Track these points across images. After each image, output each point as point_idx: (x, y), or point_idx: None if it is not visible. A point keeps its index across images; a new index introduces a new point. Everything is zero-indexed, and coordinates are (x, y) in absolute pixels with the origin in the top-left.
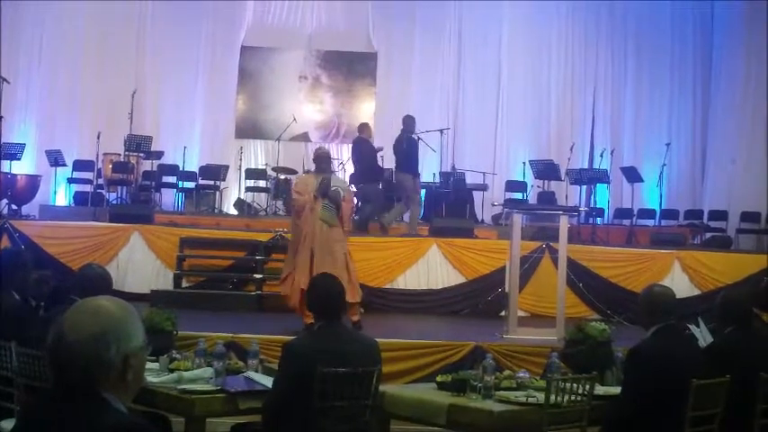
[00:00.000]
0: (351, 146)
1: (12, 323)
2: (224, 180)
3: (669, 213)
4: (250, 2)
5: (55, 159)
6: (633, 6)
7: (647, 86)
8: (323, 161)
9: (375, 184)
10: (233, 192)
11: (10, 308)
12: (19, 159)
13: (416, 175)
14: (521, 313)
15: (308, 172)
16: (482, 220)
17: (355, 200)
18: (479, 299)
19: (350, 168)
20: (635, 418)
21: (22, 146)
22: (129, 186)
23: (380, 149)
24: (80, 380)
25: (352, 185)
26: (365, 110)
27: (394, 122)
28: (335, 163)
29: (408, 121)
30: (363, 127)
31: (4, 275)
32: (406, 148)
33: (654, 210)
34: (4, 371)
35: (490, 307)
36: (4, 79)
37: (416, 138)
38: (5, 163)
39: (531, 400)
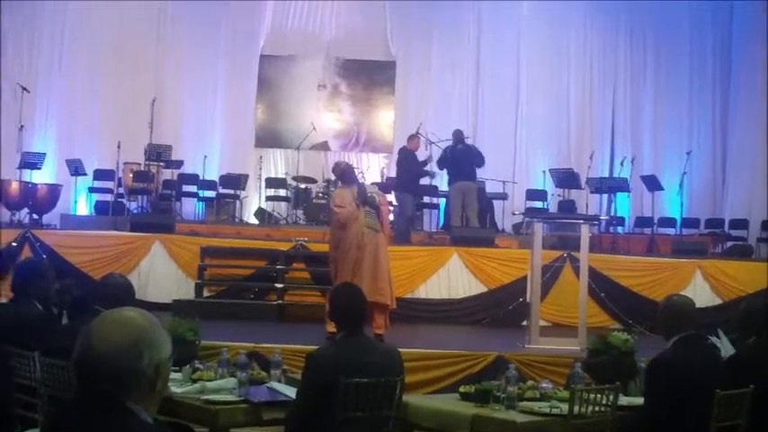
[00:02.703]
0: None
1: (34, 333)
2: (244, 189)
3: (690, 222)
4: (269, 11)
5: (75, 169)
6: (651, 14)
7: (666, 94)
8: (348, 173)
9: (410, 195)
10: (253, 201)
11: (33, 318)
12: (39, 169)
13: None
14: (542, 323)
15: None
16: (503, 229)
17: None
18: (500, 308)
19: (370, 177)
20: (656, 429)
21: (43, 155)
22: (150, 195)
23: (428, 161)
24: (108, 390)
25: (391, 192)
26: (384, 118)
27: (413, 130)
28: (356, 172)
29: (457, 134)
30: (410, 138)
31: (27, 285)
32: (451, 158)
33: (674, 218)
34: (28, 380)
35: (511, 316)
36: (24, 88)
37: (462, 147)
38: (26, 172)
39: (554, 410)
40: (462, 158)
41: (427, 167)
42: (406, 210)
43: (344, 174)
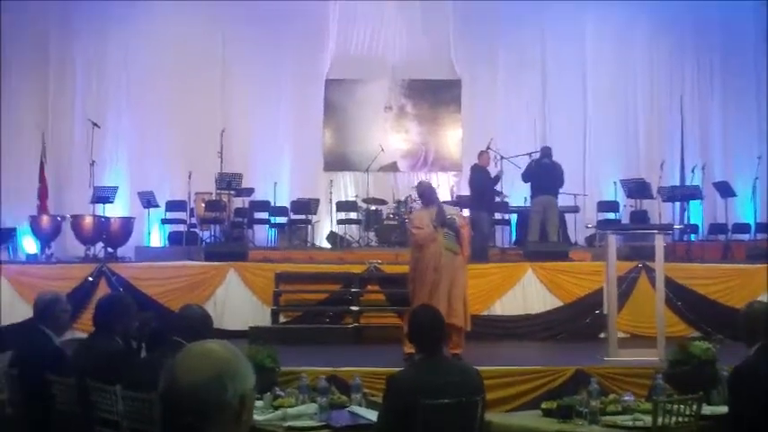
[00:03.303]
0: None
1: (115, 368)
2: (315, 213)
3: (764, 227)
4: (332, 35)
5: (147, 201)
6: (717, 21)
7: (734, 100)
8: (427, 194)
9: (483, 212)
10: (325, 225)
11: (113, 353)
12: (112, 202)
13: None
14: (620, 335)
15: (418, 209)
16: (576, 243)
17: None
18: (577, 322)
19: (439, 196)
20: None
21: (115, 189)
22: (222, 224)
23: (499, 176)
24: (194, 423)
25: (465, 210)
26: (451, 137)
27: (481, 148)
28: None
29: (545, 150)
30: (480, 155)
31: (109, 320)
32: (536, 172)
33: (748, 224)
34: (110, 414)
35: (588, 330)
36: (94, 124)
37: (548, 162)
38: (99, 206)
39: (637, 423)
40: (547, 173)
41: (497, 186)
42: (482, 227)
43: (424, 194)
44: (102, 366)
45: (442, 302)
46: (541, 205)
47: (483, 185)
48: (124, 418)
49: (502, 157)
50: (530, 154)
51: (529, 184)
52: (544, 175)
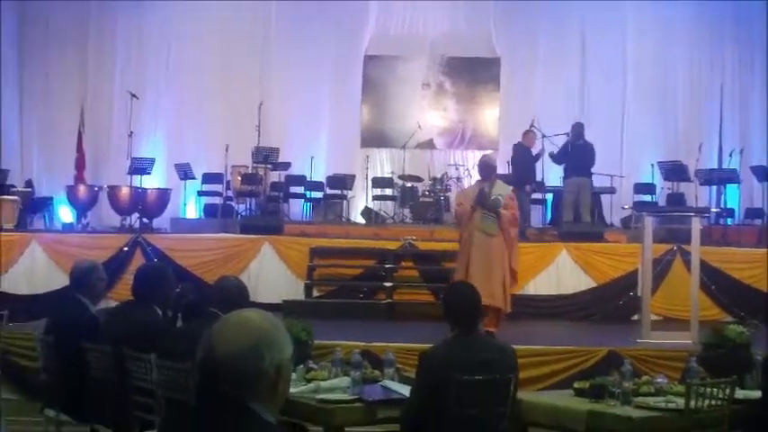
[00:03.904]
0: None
1: (152, 338)
2: (351, 189)
3: None
4: (372, 11)
5: (184, 173)
6: (758, 8)
7: None
8: (482, 169)
9: (522, 190)
10: (360, 200)
11: (152, 323)
12: (149, 174)
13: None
14: (653, 317)
15: (473, 184)
16: (611, 224)
17: (516, 206)
18: (610, 303)
19: (475, 175)
20: None
21: (152, 160)
22: (258, 198)
23: (540, 155)
24: (231, 392)
25: None
26: (489, 115)
27: (518, 128)
28: (461, 170)
29: (576, 128)
30: (525, 134)
31: (149, 290)
32: (571, 153)
33: None
34: (145, 383)
35: (621, 311)
36: (133, 95)
37: (582, 143)
38: (136, 178)
39: (670, 405)
40: (580, 154)
41: (538, 162)
42: (522, 206)
43: (479, 168)
44: (139, 336)
45: (478, 282)
46: (575, 186)
47: (525, 164)
48: (159, 386)
49: (543, 136)
50: (567, 134)
51: (563, 165)
52: (577, 156)
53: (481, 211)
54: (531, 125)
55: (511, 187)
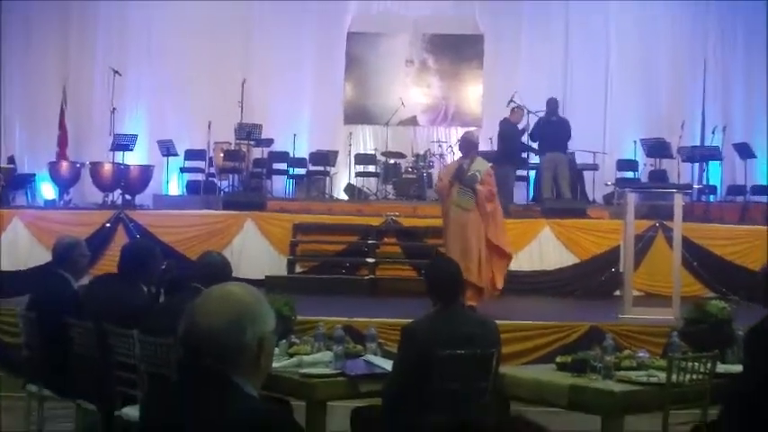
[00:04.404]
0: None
1: (138, 315)
2: (334, 166)
3: None
4: None
5: (167, 149)
6: None
7: (758, 60)
8: (462, 146)
9: (508, 167)
10: (343, 177)
11: (138, 300)
12: (131, 150)
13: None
14: (635, 293)
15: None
16: (593, 200)
17: (493, 182)
18: (593, 279)
19: (458, 152)
20: (755, 397)
21: (135, 137)
22: (241, 174)
23: (525, 130)
24: (213, 365)
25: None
26: (472, 92)
27: (501, 104)
28: (444, 146)
29: (551, 103)
30: (513, 111)
31: (135, 267)
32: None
33: (767, 186)
34: (127, 358)
35: (603, 287)
36: (116, 71)
37: (556, 119)
38: (118, 154)
39: (652, 379)
40: (555, 130)
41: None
42: (507, 183)
43: (460, 144)
44: (123, 313)
45: (455, 257)
46: (551, 162)
47: (511, 141)
48: (141, 361)
49: (528, 111)
50: (536, 113)
51: (537, 142)
52: (552, 132)
53: (458, 187)
54: (512, 99)
55: (490, 164)
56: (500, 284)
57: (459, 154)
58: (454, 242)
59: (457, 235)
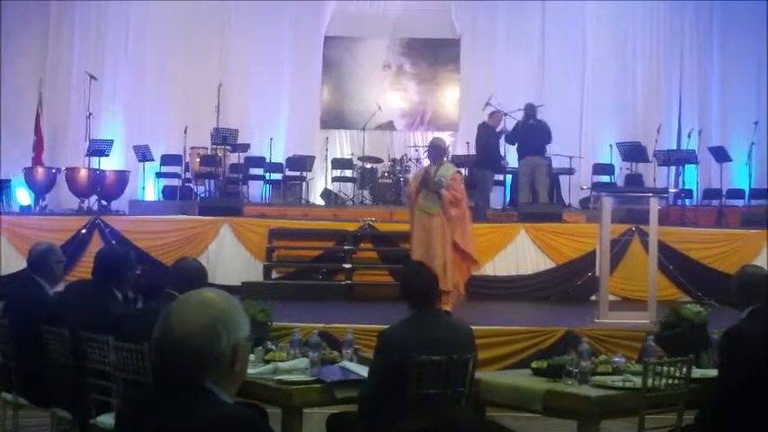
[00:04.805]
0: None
1: (112, 321)
2: (310, 171)
3: (759, 193)
4: None
5: (143, 154)
6: None
7: (733, 64)
8: (430, 152)
9: (489, 171)
10: (319, 182)
11: (112, 306)
12: (107, 155)
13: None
14: (611, 297)
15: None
16: (569, 205)
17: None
18: (569, 284)
19: None
20: (730, 401)
21: (110, 142)
22: (217, 179)
23: (503, 132)
24: (188, 372)
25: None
26: (449, 96)
27: (478, 108)
28: (421, 151)
29: (528, 108)
30: (491, 115)
31: (108, 273)
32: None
33: (743, 190)
34: (102, 365)
35: (580, 292)
36: (92, 76)
37: (534, 122)
38: (94, 159)
39: (627, 384)
40: (533, 134)
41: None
42: (485, 187)
43: (428, 152)
44: (98, 320)
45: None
46: (529, 166)
47: (489, 145)
48: (116, 368)
49: (505, 114)
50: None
51: (516, 146)
52: (530, 135)
53: (424, 192)
54: (488, 103)
55: (456, 169)
56: (461, 288)
57: None
58: (419, 246)
59: (422, 239)
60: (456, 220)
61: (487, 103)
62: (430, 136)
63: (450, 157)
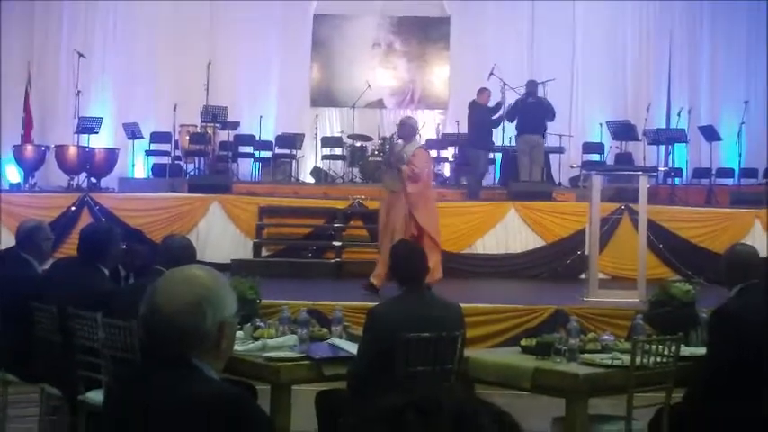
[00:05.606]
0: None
1: (100, 299)
2: (300, 149)
3: (748, 172)
4: None
5: (132, 132)
6: None
7: (724, 43)
8: (400, 130)
9: (482, 150)
10: (309, 160)
11: (99, 283)
12: (97, 133)
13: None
14: (601, 276)
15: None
16: (560, 183)
17: (420, 164)
18: (558, 262)
19: (426, 134)
20: (719, 379)
21: (100, 120)
22: (207, 157)
23: (500, 104)
24: (175, 349)
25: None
26: (439, 75)
27: (468, 86)
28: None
29: (530, 85)
30: (480, 92)
31: (94, 250)
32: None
33: (732, 169)
34: (91, 342)
35: (569, 270)
36: (80, 54)
37: (534, 100)
38: (84, 137)
39: (616, 362)
40: (533, 111)
41: (499, 112)
42: (478, 166)
43: (398, 130)
44: (85, 297)
45: (381, 237)
46: (528, 144)
47: (481, 123)
48: (105, 345)
49: (505, 85)
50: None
51: (515, 123)
52: (530, 113)
53: (386, 169)
54: (491, 73)
55: (419, 145)
56: (438, 274)
57: (425, 136)
58: (381, 223)
59: (384, 217)
60: (416, 198)
61: (491, 74)
62: (420, 114)
63: (440, 135)
